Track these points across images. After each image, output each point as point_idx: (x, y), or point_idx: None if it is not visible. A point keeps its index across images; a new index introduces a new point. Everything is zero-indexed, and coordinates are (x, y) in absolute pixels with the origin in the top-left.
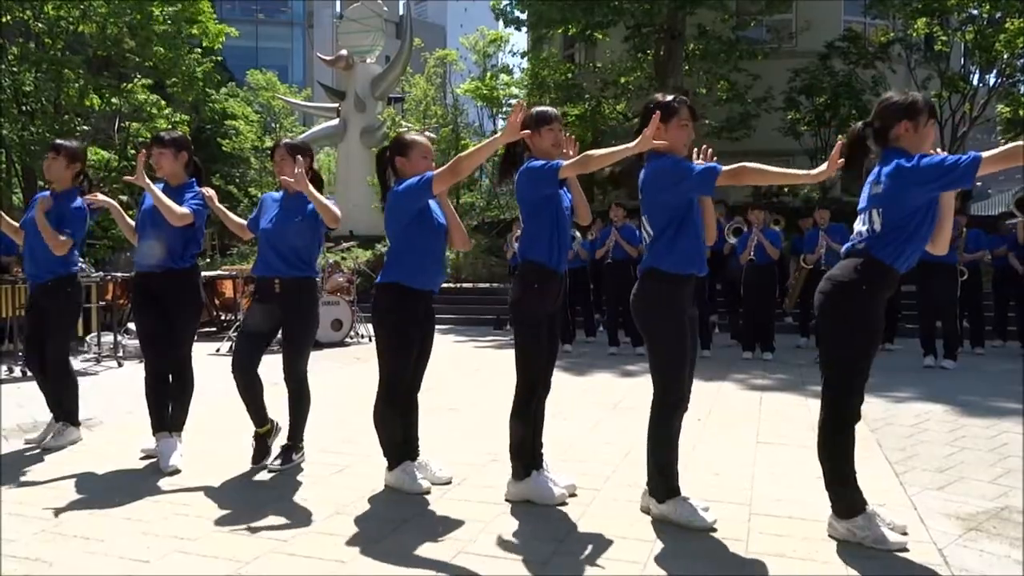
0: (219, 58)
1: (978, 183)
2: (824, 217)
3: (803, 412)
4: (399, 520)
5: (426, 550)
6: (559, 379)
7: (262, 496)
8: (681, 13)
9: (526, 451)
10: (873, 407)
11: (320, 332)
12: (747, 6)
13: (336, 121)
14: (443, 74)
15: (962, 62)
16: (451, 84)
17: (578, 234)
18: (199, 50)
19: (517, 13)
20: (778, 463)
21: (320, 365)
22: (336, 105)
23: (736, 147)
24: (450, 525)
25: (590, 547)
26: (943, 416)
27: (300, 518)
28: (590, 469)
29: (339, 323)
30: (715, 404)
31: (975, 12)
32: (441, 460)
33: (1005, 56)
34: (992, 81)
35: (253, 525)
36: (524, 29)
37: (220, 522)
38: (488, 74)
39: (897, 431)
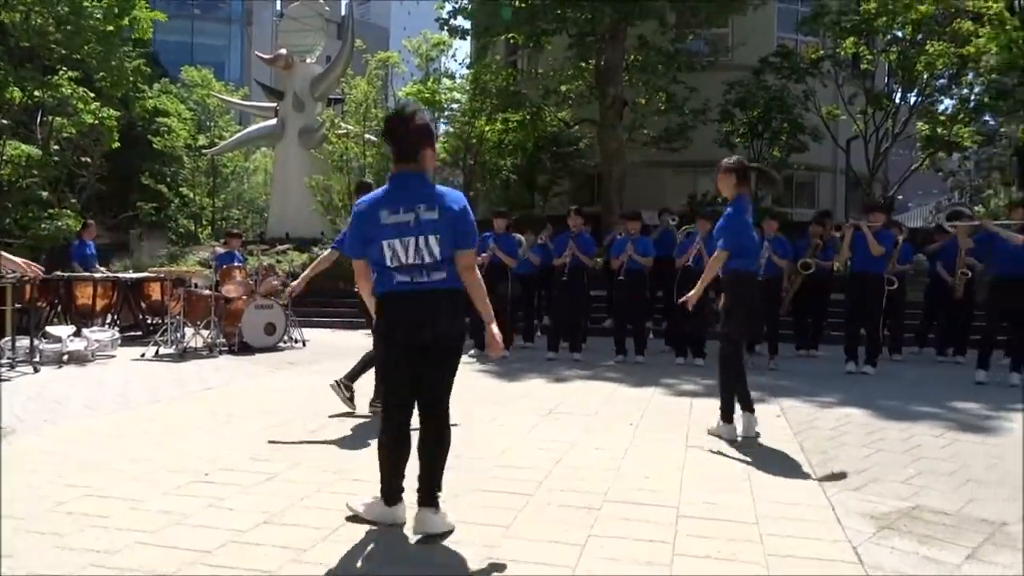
0: (150, 50)
1: (899, 196)
2: (772, 227)
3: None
4: (329, 529)
5: (355, 559)
6: (494, 384)
7: (185, 506)
8: (623, 24)
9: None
10: (798, 412)
11: (253, 337)
12: (686, 19)
13: (274, 121)
14: (385, 76)
15: (886, 80)
16: (393, 87)
17: (523, 238)
18: (130, 43)
19: (461, 21)
20: (706, 467)
21: (251, 369)
22: (274, 105)
23: (674, 157)
24: (381, 533)
25: (521, 552)
26: (862, 420)
27: (226, 528)
28: (522, 475)
29: (272, 327)
30: (647, 409)
31: (899, 34)
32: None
33: (925, 76)
34: (913, 100)
35: (175, 536)
36: (468, 38)
37: (139, 534)
38: (431, 78)
39: (819, 434)
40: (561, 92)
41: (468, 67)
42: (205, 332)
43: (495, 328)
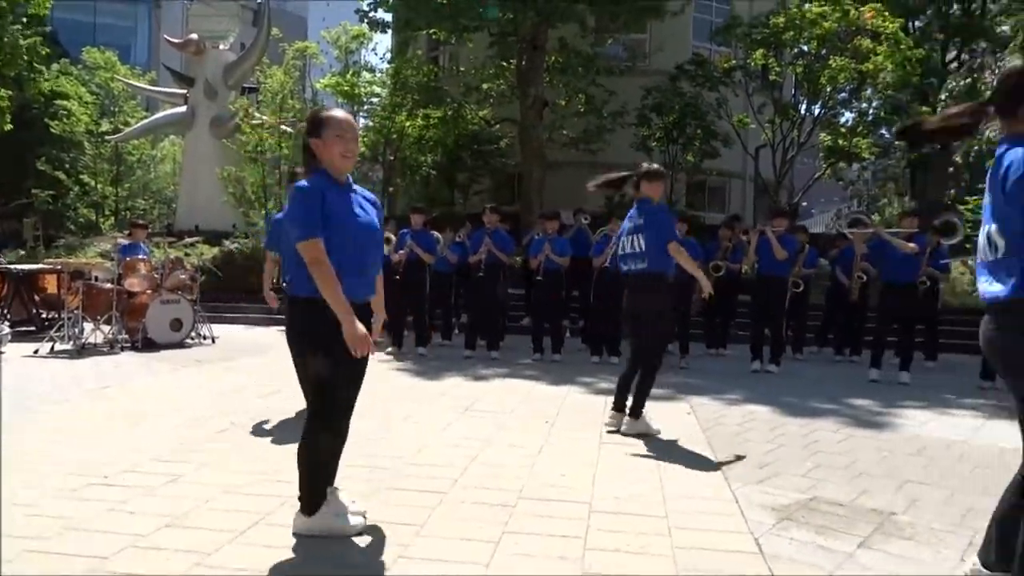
0: (48, 28)
1: (803, 203)
2: (683, 230)
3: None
4: (235, 532)
5: (262, 562)
6: (411, 383)
7: (82, 510)
8: (544, 25)
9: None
10: (706, 409)
11: (158, 333)
12: (605, 24)
13: (183, 108)
14: (302, 67)
15: (793, 92)
16: (310, 78)
17: (440, 236)
18: (25, 19)
19: (382, 14)
20: (619, 463)
21: (155, 367)
22: (184, 91)
23: (592, 158)
24: (290, 536)
25: (434, 550)
26: (766, 416)
27: (126, 532)
28: (437, 472)
29: (179, 323)
30: (563, 407)
31: (805, 48)
32: (273, 471)
33: (828, 90)
34: (817, 111)
35: (71, 543)
36: (388, 31)
37: (32, 541)
38: (350, 71)
39: (726, 430)
40: (482, 90)
41: (389, 61)
42: (106, 327)
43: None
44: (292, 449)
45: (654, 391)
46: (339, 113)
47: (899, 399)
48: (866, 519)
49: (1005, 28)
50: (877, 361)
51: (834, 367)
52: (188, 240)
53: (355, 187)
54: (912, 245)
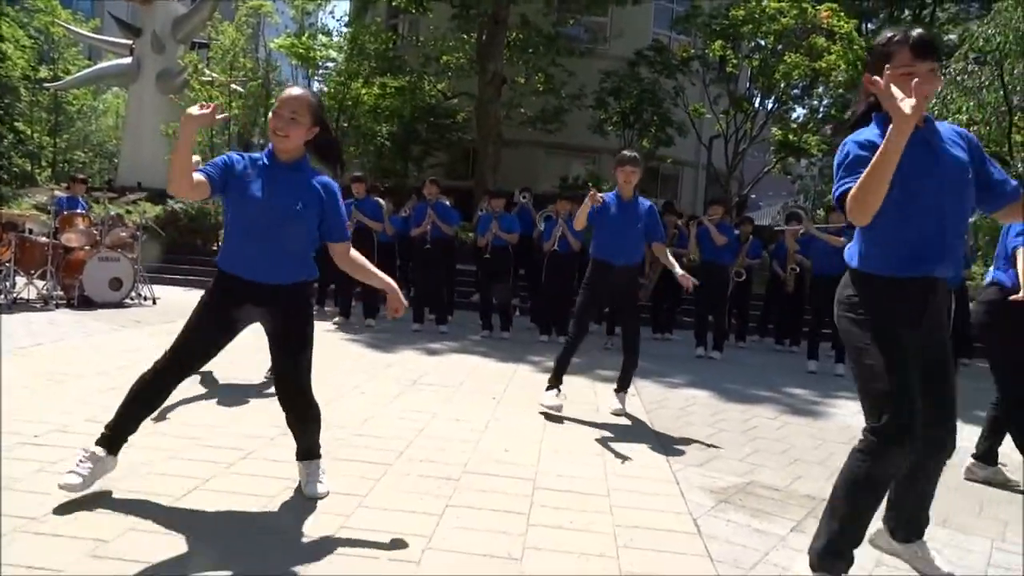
0: None
1: (752, 195)
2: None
3: (589, 395)
4: (172, 497)
5: (199, 528)
6: (360, 352)
7: (12, 470)
8: (505, 1)
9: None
10: (650, 391)
11: (96, 291)
12: (568, 4)
13: (128, 60)
14: (256, 25)
15: (748, 85)
16: (264, 37)
17: (383, 202)
18: None
19: None
20: (563, 441)
21: (92, 326)
22: (129, 42)
23: (549, 138)
24: (229, 502)
25: (376, 521)
26: (707, 401)
27: (56, 492)
28: (383, 444)
29: (118, 282)
30: (511, 384)
31: (762, 42)
32: (230, 432)
33: (782, 85)
34: (770, 106)
35: None
36: None
37: None
38: (305, 32)
39: (668, 413)
40: (441, 62)
41: (346, 25)
42: (39, 282)
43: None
44: (229, 412)
45: (603, 373)
46: (289, 90)
47: (834, 389)
48: (799, 503)
49: (952, 37)
50: (814, 352)
51: (774, 356)
52: (130, 196)
53: (308, 169)
54: (841, 239)
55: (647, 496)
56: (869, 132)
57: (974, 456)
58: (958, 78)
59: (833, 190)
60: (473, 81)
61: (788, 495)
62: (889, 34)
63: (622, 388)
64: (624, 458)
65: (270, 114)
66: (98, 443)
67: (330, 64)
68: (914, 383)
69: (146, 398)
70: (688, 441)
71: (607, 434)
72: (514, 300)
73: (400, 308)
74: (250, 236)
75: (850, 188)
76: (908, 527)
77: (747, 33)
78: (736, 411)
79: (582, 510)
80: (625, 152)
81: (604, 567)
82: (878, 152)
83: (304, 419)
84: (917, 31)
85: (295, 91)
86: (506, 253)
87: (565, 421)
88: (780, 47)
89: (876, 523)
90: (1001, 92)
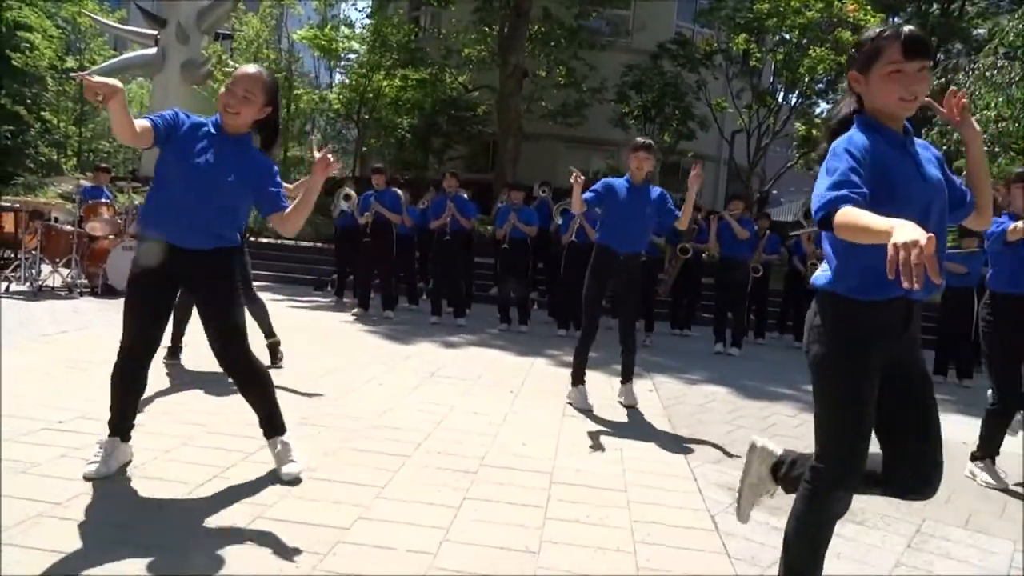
0: None
1: (774, 191)
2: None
3: (606, 389)
4: (194, 484)
5: (218, 511)
6: (378, 343)
7: (35, 455)
8: None
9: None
10: (668, 387)
11: (120, 280)
12: None
13: (153, 50)
14: (279, 16)
15: (771, 79)
16: (287, 28)
17: (401, 193)
18: None
19: None
20: (580, 435)
21: (115, 317)
22: (155, 33)
23: (569, 132)
24: (247, 490)
25: (394, 512)
26: (726, 397)
27: (79, 478)
28: (401, 436)
29: None
30: (528, 377)
31: (787, 36)
32: (247, 421)
33: (806, 79)
34: (794, 100)
35: (21, 486)
36: None
37: None
38: (328, 24)
39: (686, 409)
40: (463, 55)
41: (368, 16)
42: (64, 271)
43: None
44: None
45: (618, 368)
46: (244, 68)
47: None
48: None
49: (981, 31)
50: None
51: (794, 353)
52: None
53: (248, 145)
54: None
55: (664, 492)
56: (859, 138)
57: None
58: (987, 73)
59: (819, 197)
60: (494, 74)
61: None
62: (878, 30)
63: (626, 379)
64: (641, 456)
65: (222, 89)
66: (110, 433)
67: (352, 56)
68: (865, 426)
69: (125, 383)
70: (707, 438)
71: (624, 429)
72: (532, 294)
73: (327, 165)
74: (178, 200)
75: (843, 205)
76: None
77: (772, 26)
78: (754, 408)
79: (599, 505)
80: (639, 139)
81: (621, 562)
82: (882, 223)
83: (249, 385)
84: (908, 28)
85: (250, 69)
86: (524, 246)
87: (582, 416)
88: (805, 41)
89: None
90: None
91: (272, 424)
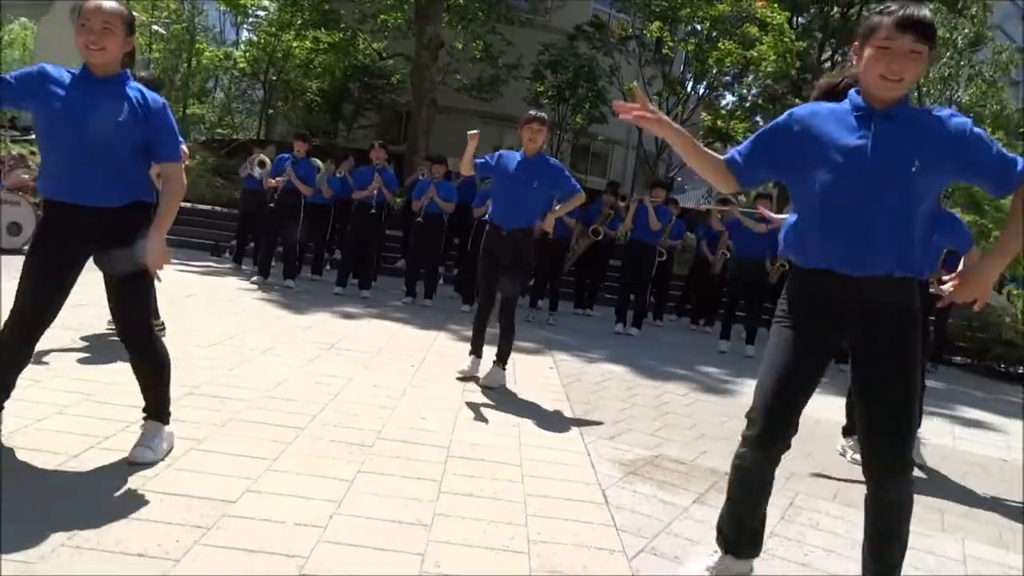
0: None
1: (679, 178)
2: None
3: (508, 366)
4: (67, 455)
5: (106, 485)
6: (277, 313)
7: None
8: None
9: None
10: (568, 364)
11: None
12: None
13: None
14: None
15: (682, 69)
16: None
17: (321, 165)
18: None
19: None
20: (480, 410)
21: None
22: None
23: (484, 107)
24: (129, 466)
25: (284, 486)
26: (623, 376)
27: None
28: (296, 408)
29: (17, 227)
30: (430, 351)
31: (698, 27)
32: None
33: (714, 71)
34: (702, 91)
35: None
36: None
37: None
38: None
39: (584, 387)
40: (378, 20)
41: None
42: None
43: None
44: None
45: (523, 344)
46: (92, 1)
47: (742, 369)
48: (703, 477)
49: None
50: (727, 333)
51: (689, 335)
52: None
53: (127, 83)
54: (762, 226)
55: (558, 467)
56: (800, 111)
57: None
58: None
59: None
60: (410, 43)
61: (693, 468)
62: (883, 5)
63: (500, 361)
64: (537, 431)
65: (76, 29)
66: None
67: (261, 13)
68: (779, 395)
69: (4, 363)
70: (601, 415)
71: (523, 405)
72: (440, 268)
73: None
74: (69, 156)
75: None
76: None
77: (685, 16)
78: (649, 387)
79: (494, 479)
80: (531, 111)
81: (512, 535)
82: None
83: (143, 362)
84: (912, 7)
85: (101, 2)
86: (440, 221)
87: (482, 391)
88: (715, 33)
89: None
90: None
91: (158, 411)
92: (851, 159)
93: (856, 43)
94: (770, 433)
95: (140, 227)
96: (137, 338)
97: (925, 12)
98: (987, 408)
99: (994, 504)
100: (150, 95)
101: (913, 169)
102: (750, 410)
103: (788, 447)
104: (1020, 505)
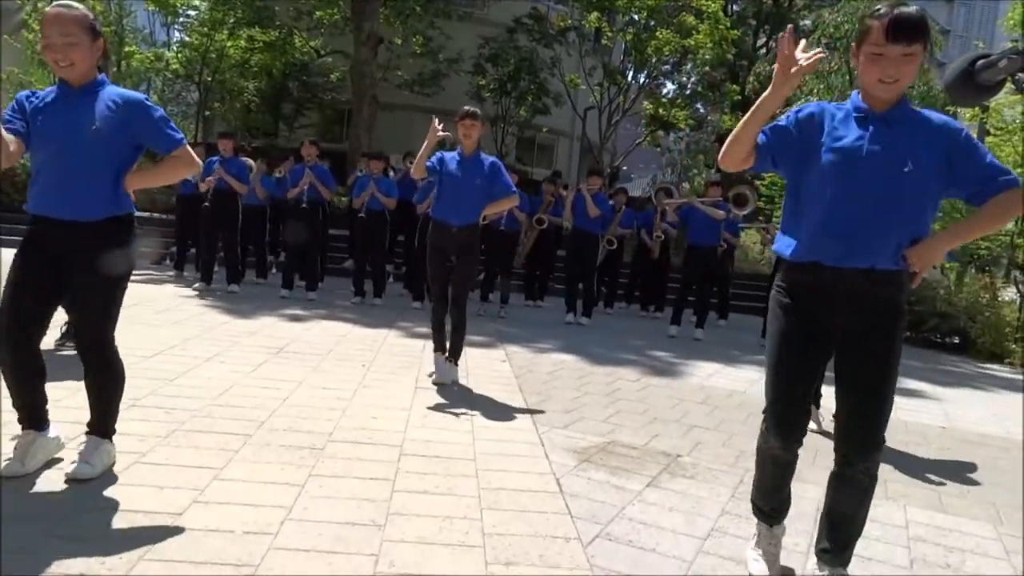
0: None
1: (624, 167)
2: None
3: (461, 360)
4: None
5: (51, 502)
6: (222, 319)
7: None
8: None
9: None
10: (520, 356)
11: None
12: None
13: None
14: None
15: (622, 59)
16: None
17: (253, 163)
18: None
19: None
20: (432, 407)
21: None
22: None
23: (426, 103)
24: (61, 474)
25: (232, 494)
26: (575, 365)
27: None
28: (243, 414)
29: None
30: (380, 350)
31: (636, 17)
32: (72, 404)
33: (654, 60)
34: (642, 80)
35: None
36: None
37: None
38: None
39: (536, 377)
40: (315, 17)
41: None
42: None
43: None
44: (72, 384)
45: (475, 339)
46: (50, 10)
47: (692, 353)
48: (656, 460)
49: (807, 22)
50: (677, 318)
51: (639, 322)
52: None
53: (104, 88)
54: (721, 212)
55: (512, 458)
56: (809, 107)
57: None
58: None
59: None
60: (348, 39)
61: (645, 452)
62: (875, 8)
63: (453, 357)
64: (491, 424)
65: (39, 46)
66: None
67: (192, 12)
68: (781, 388)
69: (12, 373)
70: (554, 404)
71: (476, 399)
72: (388, 266)
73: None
74: (49, 170)
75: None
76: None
77: (622, 7)
78: (601, 374)
79: (448, 475)
80: (465, 107)
81: (467, 529)
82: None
83: (100, 375)
84: (900, 9)
85: (53, 10)
86: (382, 217)
87: (434, 388)
88: (652, 23)
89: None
90: (847, 77)
91: (101, 426)
92: (846, 157)
93: (853, 45)
94: (782, 430)
95: (120, 239)
96: (102, 347)
97: (912, 12)
98: (924, 379)
99: (934, 468)
100: (127, 94)
101: (906, 169)
102: (765, 408)
103: (804, 433)
104: (958, 469)
